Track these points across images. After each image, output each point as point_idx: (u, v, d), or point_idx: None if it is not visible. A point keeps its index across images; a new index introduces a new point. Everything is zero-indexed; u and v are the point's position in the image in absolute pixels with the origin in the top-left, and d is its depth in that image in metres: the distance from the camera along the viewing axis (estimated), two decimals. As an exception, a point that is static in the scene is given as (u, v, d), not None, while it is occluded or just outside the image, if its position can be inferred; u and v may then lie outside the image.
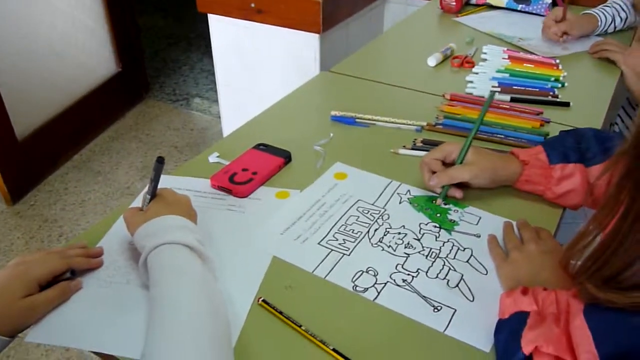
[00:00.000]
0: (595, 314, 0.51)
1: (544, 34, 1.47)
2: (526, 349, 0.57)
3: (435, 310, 0.68)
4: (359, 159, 0.98)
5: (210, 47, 1.98)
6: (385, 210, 0.86)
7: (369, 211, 0.86)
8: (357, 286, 0.72)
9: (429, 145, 1.00)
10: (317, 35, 1.69)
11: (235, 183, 0.90)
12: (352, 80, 1.28)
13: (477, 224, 0.83)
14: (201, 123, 3.00)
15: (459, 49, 1.40)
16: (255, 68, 1.89)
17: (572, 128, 0.96)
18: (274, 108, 1.16)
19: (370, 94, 1.22)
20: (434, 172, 0.87)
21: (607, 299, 0.48)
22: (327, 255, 0.77)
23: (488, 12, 1.67)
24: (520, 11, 1.65)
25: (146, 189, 0.77)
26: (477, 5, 1.70)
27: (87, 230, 0.84)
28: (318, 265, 0.75)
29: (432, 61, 1.33)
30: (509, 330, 0.62)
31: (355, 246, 0.78)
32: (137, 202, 0.86)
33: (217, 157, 0.99)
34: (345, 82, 1.27)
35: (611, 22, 1.45)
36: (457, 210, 0.86)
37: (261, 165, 0.95)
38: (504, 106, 1.13)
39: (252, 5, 1.74)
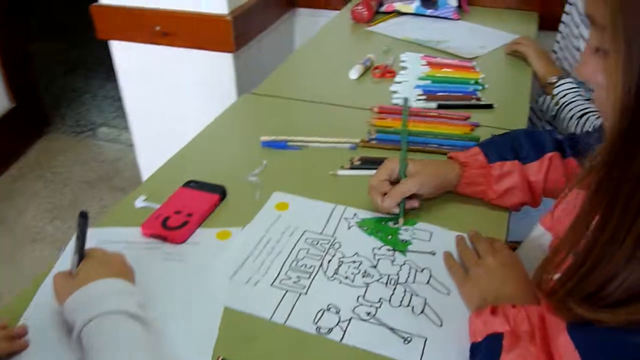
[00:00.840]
0: (581, 332, 0.50)
1: None
2: None
3: (406, 342, 0.65)
4: (297, 185, 0.94)
5: (112, 72, 1.85)
6: (335, 238, 0.82)
7: (318, 242, 0.81)
8: (320, 327, 0.67)
9: (366, 163, 0.98)
10: (230, 55, 1.62)
11: (170, 228, 0.83)
12: (276, 101, 1.23)
13: (429, 240, 0.81)
14: (112, 153, 2.83)
15: (377, 58, 1.40)
16: (167, 92, 1.80)
17: (500, 130, 0.97)
18: (198, 139, 1.09)
19: (297, 114, 1.19)
20: (384, 194, 0.84)
21: (598, 319, 0.47)
22: (283, 297, 0.71)
23: (398, 19, 1.68)
24: (429, 16, 1.67)
25: (73, 248, 0.69)
26: (386, 12, 1.71)
27: (6, 304, 0.73)
28: (275, 310, 0.69)
29: (354, 74, 1.31)
30: (485, 355, 0.60)
31: (311, 282, 0.74)
32: (65, 262, 0.76)
33: (145, 200, 0.91)
34: (269, 104, 1.23)
35: None
36: (408, 229, 0.84)
37: (195, 204, 0.88)
38: (433, 114, 1.13)
39: (157, 28, 1.65)
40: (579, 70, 0.54)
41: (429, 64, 1.35)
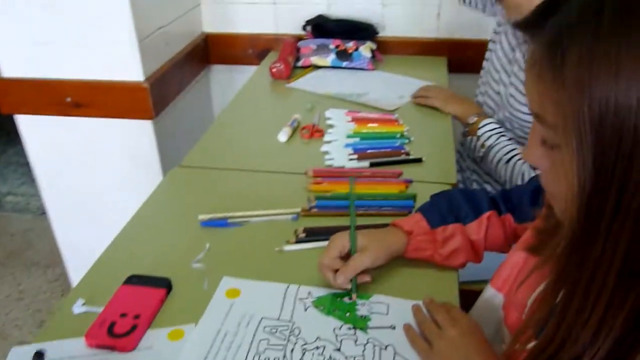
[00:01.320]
0: None
1: None
2: None
3: None
4: (245, 267, 0.92)
5: (13, 135, 1.73)
6: (294, 323, 0.80)
7: (277, 329, 0.79)
8: None
9: (312, 235, 0.97)
10: (149, 122, 1.58)
11: (117, 335, 0.78)
12: (207, 173, 1.20)
13: (387, 313, 0.82)
14: (21, 224, 2.64)
15: (303, 117, 1.41)
16: (84, 163, 1.70)
17: (433, 185, 1.01)
18: (131, 225, 1.04)
19: (232, 186, 1.16)
20: (336, 271, 0.84)
21: None
22: (251, 400, 0.69)
23: (317, 73, 1.71)
24: (345, 68, 1.72)
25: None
26: (303, 67, 1.73)
27: None
28: (246, 417, 0.67)
29: (283, 136, 1.31)
30: None
31: (278, 378, 0.72)
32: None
33: (84, 304, 0.85)
34: (201, 177, 1.19)
35: None
36: (364, 303, 0.84)
37: (141, 303, 0.83)
38: (367, 174, 1.15)
39: (68, 99, 1.57)
40: (525, 155, 0.57)
41: (354, 119, 1.38)
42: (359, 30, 1.78)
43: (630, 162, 0.43)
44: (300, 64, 1.73)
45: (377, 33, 1.81)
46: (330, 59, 1.71)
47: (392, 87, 1.58)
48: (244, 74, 1.96)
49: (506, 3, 1.17)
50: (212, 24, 1.93)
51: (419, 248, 0.89)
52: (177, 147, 1.67)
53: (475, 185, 1.44)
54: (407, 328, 0.78)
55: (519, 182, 1.20)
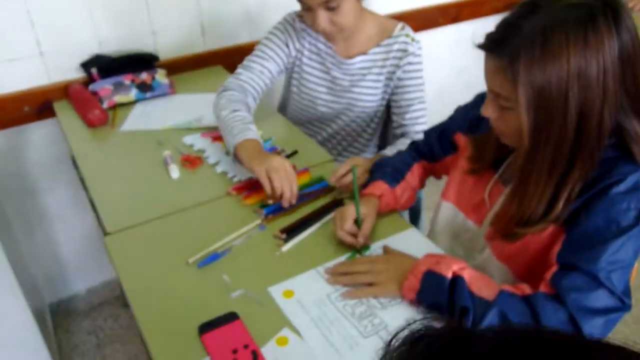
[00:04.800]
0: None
1: None
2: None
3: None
4: (270, 275, 1.11)
5: None
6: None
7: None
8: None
9: (290, 230, 1.22)
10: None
11: (249, 364, 0.92)
12: (144, 228, 1.26)
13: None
14: None
15: (171, 152, 1.51)
16: None
17: (328, 163, 1.37)
18: (143, 296, 1.09)
19: (178, 229, 1.26)
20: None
21: (531, 231, 0.97)
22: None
23: (136, 110, 1.75)
24: (149, 98, 1.81)
25: None
26: (110, 108, 1.75)
27: None
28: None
29: (175, 173, 1.42)
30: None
31: (377, 321, 1.01)
32: None
33: (187, 365, 0.93)
34: (142, 233, 1.25)
35: None
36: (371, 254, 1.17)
37: (234, 338, 0.98)
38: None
39: None
40: (483, 111, 0.99)
41: (215, 139, 1.57)
42: (143, 61, 1.87)
43: (552, 113, 0.89)
44: (105, 106, 1.75)
45: (157, 59, 1.93)
46: (133, 94, 1.78)
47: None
48: (29, 133, 1.85)
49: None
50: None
51: (388, 204, 1.26)
52: None
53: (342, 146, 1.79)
54: (347, 294, 1.08)
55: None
